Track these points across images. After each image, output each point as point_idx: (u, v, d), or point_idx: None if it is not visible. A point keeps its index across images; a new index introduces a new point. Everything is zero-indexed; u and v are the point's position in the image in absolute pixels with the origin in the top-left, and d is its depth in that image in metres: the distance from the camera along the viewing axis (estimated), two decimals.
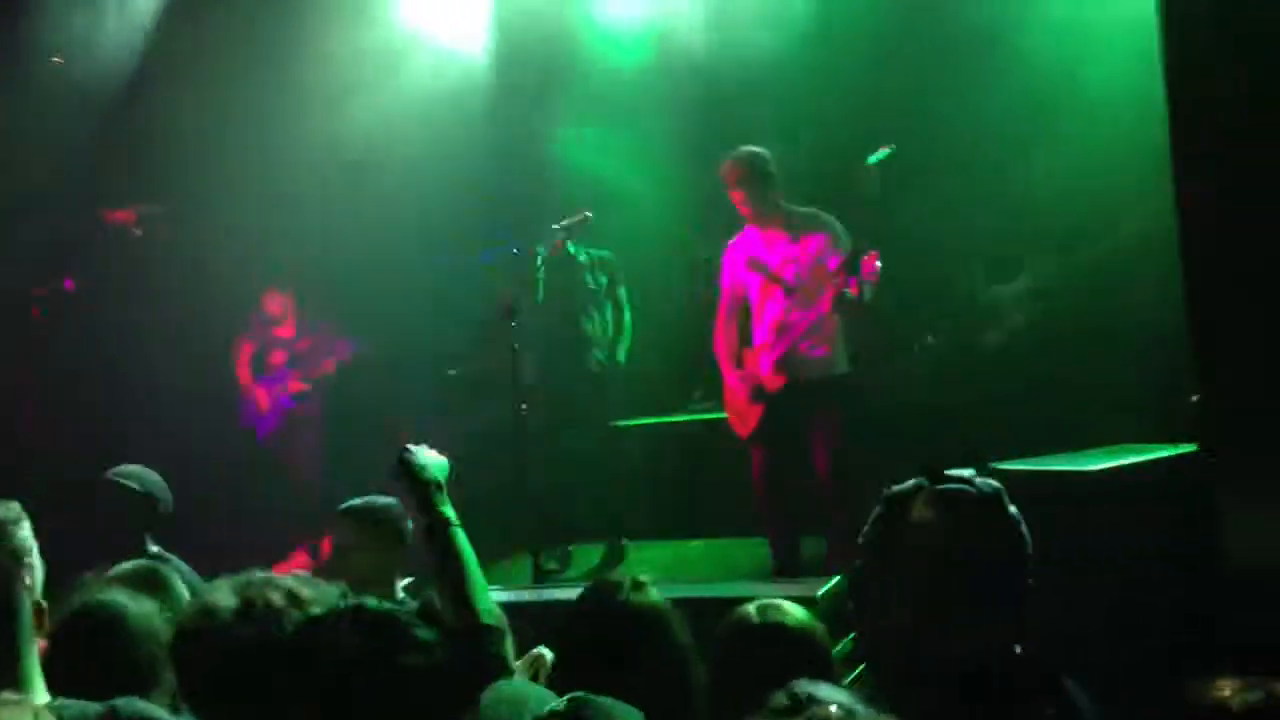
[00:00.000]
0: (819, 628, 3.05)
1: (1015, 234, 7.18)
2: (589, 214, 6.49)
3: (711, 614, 3.13)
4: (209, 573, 3.32)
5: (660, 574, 6.39)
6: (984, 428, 6.32)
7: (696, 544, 7.08)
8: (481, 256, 7.98)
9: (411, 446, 3.12)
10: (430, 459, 3.10)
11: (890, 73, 7.09)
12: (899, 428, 6.62)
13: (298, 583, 2.69)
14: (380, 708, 2.22)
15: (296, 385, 8.05)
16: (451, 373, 7.81)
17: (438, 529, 2.99)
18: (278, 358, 8.17)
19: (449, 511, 3.02)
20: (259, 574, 2.66)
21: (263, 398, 8.11)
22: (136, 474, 4.97)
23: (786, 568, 6.11)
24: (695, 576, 6.46)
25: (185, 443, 7.28)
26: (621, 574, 3.31)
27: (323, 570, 4.19)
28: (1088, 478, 4.41)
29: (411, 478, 3.06)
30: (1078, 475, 4.44)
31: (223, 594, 2.58)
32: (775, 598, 3.14)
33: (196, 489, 6.61)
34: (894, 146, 5.91)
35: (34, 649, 2.53)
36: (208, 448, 7.71)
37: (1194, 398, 4.18)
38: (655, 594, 3.04)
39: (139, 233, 7.85)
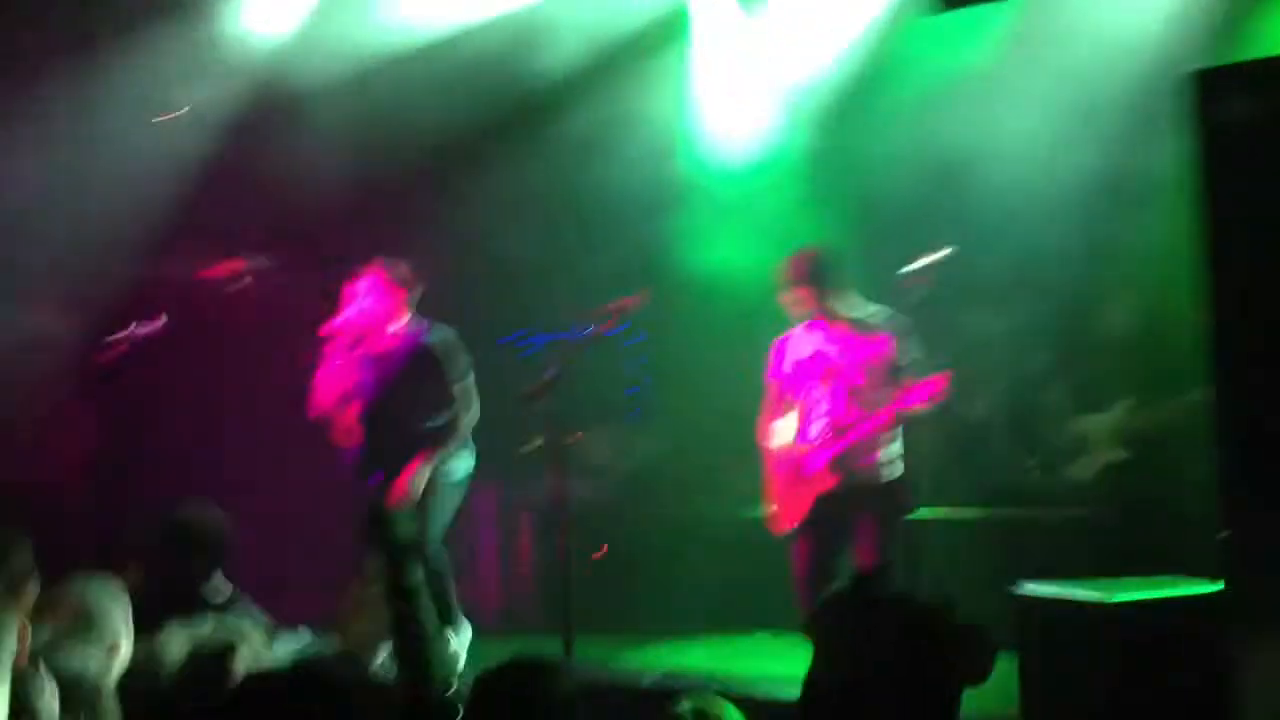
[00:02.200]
0: None
1: (1096, 369, 7.11)
2: None
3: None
4: None
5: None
6: (1046, 547, 6.26)
7: (762, 634, 7.03)
8: None
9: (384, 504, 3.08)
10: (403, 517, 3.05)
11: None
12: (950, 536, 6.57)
13: (264, 641, 2.78)
14: None
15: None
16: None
17: (402, 592, 2.95)
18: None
19: (417, 575, 2.99)
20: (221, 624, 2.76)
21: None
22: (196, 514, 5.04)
23: None
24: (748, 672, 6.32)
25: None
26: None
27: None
28: (1104, 608, 4.34)
29: (384, 534, 2.99)
30: (1094, 604, 4.37)
31: (176, 643, 2.70)
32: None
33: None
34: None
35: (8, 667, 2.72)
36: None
37: (1222, 534, 4.12)
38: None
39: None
